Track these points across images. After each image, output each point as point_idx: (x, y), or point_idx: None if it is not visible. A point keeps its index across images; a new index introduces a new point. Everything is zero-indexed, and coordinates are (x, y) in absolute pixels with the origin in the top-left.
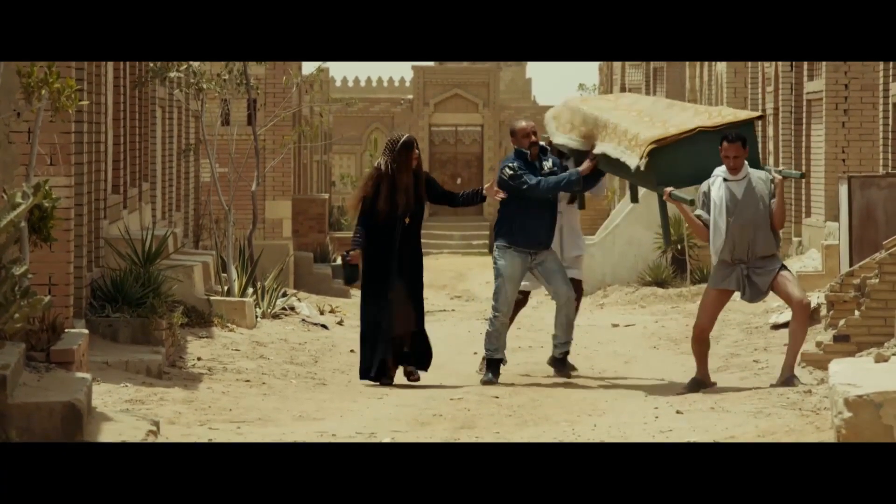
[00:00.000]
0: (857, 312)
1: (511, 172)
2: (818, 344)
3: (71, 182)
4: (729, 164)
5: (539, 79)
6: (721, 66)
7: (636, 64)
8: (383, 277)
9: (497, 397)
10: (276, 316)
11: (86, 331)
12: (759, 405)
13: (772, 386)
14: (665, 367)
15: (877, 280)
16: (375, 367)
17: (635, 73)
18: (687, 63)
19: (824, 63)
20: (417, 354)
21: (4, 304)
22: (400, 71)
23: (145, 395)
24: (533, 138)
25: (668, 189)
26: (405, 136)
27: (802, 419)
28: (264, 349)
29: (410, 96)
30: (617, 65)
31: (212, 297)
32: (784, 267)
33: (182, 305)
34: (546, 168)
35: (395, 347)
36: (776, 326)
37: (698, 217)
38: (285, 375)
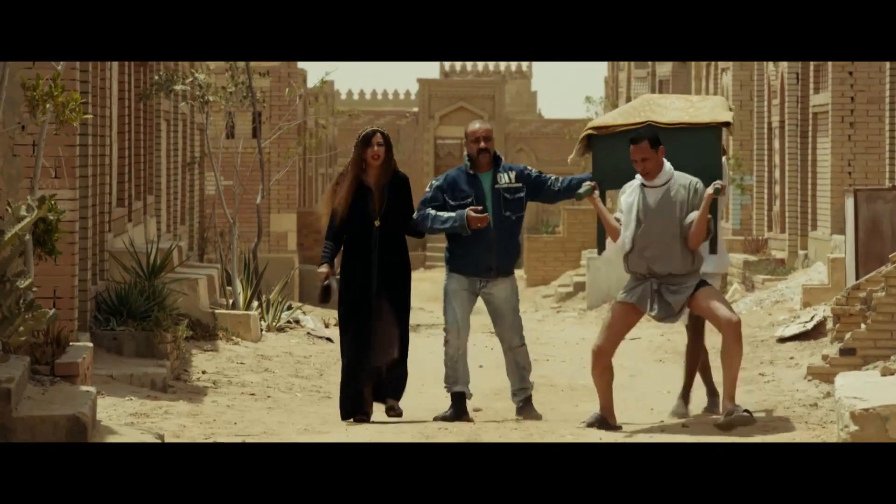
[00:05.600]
0: (863, 326)
1: (426, 193)
2: (824, 357)
3: (75, 195)
4: (638, 168)
5: (544, 92)
6: (727, 79)
7: (642, 76)
8: (362, 298)
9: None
10: (280, 329)
11: (90, 344)
12: (764, 419)
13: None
14: (671, 380)
15: (883, 293)
16: (352, 402)
17: (641, 85)
18: (693, 76)
19: (830, 76)
20: (392, 384)
21: (9, 317)
22: (405, 84)
23: (150, 409)
24: (482, 144)
25: (590, 184)
26: (366, 130)
27: (808, 432)
28: (269, 362)
29: (416, 109)
30: (622, 77)
31: (216, 311)
32: (704, 283)
33: (187, 318)
34: (503, 182)
35: (374, 379)
36: (783, 339)
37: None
38: (290, 389)
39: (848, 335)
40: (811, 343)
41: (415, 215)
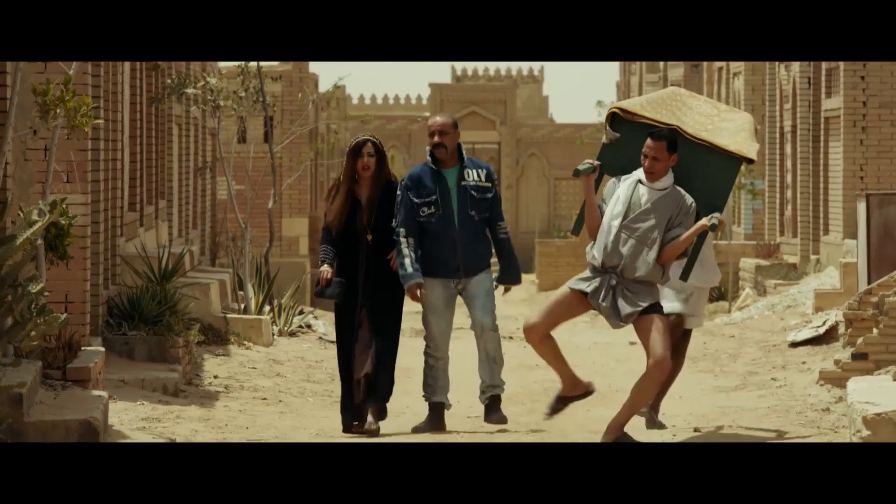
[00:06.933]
0: (875, 330)
1: (397, 196)
2: (836, 362)
3: (87, 199)
4: (645, 164)
5: (556, 96)
6: (739, 83)
7: (653, 81)
8: (349, 313)
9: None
10: (292, 334)
11: (102, 348)
12: (777, 423)
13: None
14: (682, 385)
15: (895, 298)
16: (350, 414)
17: (653, 90)
18: (705, 80)
19: (842, 80)
20: (376, 397)
21: (21, 321)
22: (417, 88)
23: (162, 413)
24: (436, 139)
25: (591, 162)
26: (356, 139)
27: (821, 437)
28: (281, 367)
29: (427, 114)
30: (634, 82)
31: (228, 315)
32: (657, 309)
33: (198, 323)
34: (471, 179)
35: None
36: (795, 344)
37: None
38: (302, 393)
39: (860, 340)
40: (823, 348)
41: (394, 223)
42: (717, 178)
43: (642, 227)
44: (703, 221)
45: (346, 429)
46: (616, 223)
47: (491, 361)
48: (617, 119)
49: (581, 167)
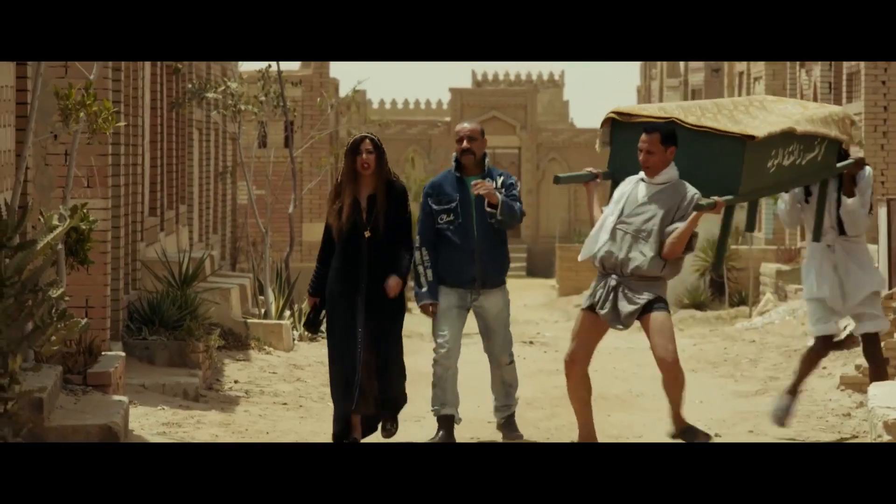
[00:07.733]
0: None
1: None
2: (857, 367)
3: (108, 204)
4: (641, 158)
5: (577, 101)
6: (759, 88)
7: (674, 85)
8: (347, 317)
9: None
10: (312, 338)
11: (122, 353)
12: (798, 428)
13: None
14: (703, 390)
15: None
16: (341, 426)
17: (674, 95)
18: (725, 84)
19: (863, 84)
20: (388, 402)
21: (41, 326)
22: (437, 93)
23: (182, 418)
24: (465, 144)
25: (591, 170)
26: (354, 137)
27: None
28: (301, 372)
29: (448, 118)
30: (654, 86)
31: (249, 320)
32: (661, 305)
33: (219, 328)
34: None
35: (362, 400)
36: None
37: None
38: (322, 398)
39: (881, 345)
40: (844, 353)
41: (416, 239)
42: (724, 162)
43: (636, 221)
44: (708, 202)
45: (337, 439)
46: (611, 220)
47: (507, 386)
48: (616, 124)
49: (562, 175)
